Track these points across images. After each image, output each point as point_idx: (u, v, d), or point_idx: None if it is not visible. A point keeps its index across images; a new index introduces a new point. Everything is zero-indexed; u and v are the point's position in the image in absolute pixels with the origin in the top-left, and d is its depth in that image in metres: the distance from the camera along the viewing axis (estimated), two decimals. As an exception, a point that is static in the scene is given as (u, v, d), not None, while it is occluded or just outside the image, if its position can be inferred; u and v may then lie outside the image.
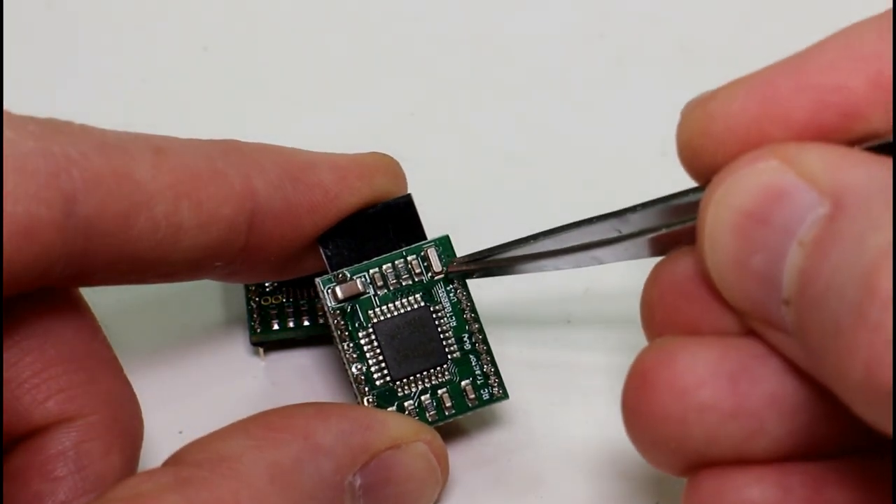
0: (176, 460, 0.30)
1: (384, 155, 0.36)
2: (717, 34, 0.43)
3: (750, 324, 0.30)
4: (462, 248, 0.35)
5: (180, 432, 0.37)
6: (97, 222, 0.30)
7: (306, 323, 0.38)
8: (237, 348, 0.39)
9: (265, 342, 0.38)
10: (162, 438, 0.36)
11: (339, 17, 0.45)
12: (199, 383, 0.38)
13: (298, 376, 0.38)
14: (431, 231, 0.36)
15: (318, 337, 0.38)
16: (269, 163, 0.33)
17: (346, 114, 0.44)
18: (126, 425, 0.33)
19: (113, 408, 0.32)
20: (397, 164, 0.36)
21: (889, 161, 0.28)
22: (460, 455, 0.36)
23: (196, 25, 0.45)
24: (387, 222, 0.35)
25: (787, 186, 0.28)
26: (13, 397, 0.31)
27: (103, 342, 0.33)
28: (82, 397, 0.32)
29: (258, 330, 0.38)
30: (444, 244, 0.35)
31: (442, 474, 0.34)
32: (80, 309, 0.33)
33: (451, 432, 0.36)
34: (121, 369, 0.33)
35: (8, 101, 0.42)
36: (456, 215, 0.41)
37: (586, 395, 0.37)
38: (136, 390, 0.36)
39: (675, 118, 0.30)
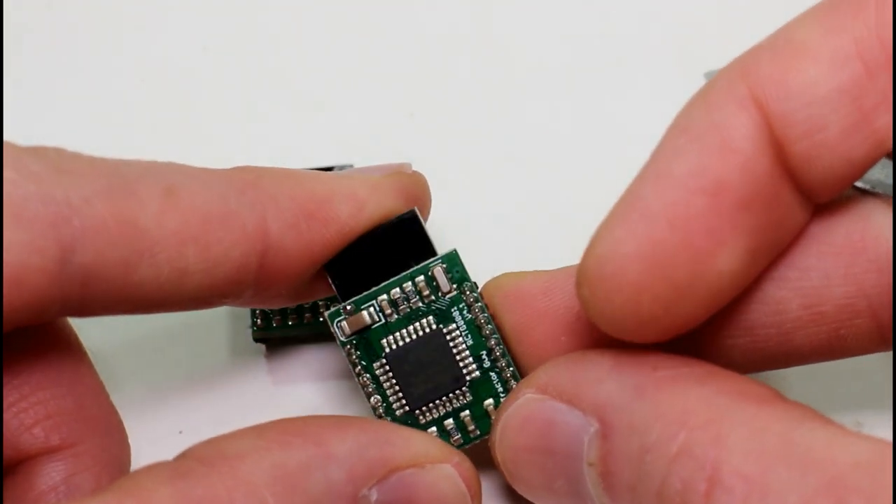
0: (183, 455, 0.30)
1: (411, 175, 0.36)
2: (717, 34, 0.43)
3: None
4: (461, 248, 0.35)
5: (180, 432, 0.37)
6: (96, 270, 0.29)
7: (309, 320, 0.38)
8: (239, 345, 0.39)
9: (267, 339, 0.38)
10: (162, 438, 0.36)
11: (338, 17, 0.45)
12: (200, 381, 0.38)
13: (300, 374, 0.38)
14: (435, 237, 0.35)
15: (320, 334, 0.38)
16: (286, 198, 0.32)
17: (346, 114, 0.43)
18: (114, 454, 0.32)
19: (100, 436, 0.32)
20: (424, 184, 0.36)
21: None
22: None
23: (196, 25, 0.45)
24: (394, 241, 0.34)
25: (551, 414, 0.30)
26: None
27: (89, 368, 0.33)
28: (69, 425, 0.31)
29: (260, 326, 0.38)
30: (451, 260, 0.34)
31: (472, 502, 0.32)
32: (65, 334, 0.33)
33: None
34: (107, 396, 0.33)
35: (8, 101, 0.43)
36: (456, 216, 0.41)
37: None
38: (136, 389, 0.36)
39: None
